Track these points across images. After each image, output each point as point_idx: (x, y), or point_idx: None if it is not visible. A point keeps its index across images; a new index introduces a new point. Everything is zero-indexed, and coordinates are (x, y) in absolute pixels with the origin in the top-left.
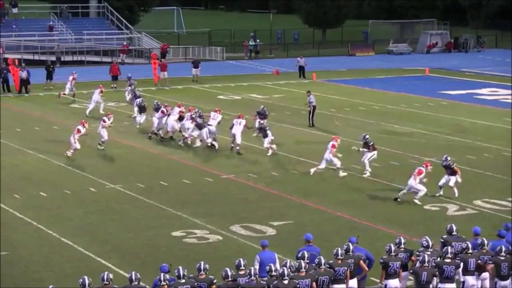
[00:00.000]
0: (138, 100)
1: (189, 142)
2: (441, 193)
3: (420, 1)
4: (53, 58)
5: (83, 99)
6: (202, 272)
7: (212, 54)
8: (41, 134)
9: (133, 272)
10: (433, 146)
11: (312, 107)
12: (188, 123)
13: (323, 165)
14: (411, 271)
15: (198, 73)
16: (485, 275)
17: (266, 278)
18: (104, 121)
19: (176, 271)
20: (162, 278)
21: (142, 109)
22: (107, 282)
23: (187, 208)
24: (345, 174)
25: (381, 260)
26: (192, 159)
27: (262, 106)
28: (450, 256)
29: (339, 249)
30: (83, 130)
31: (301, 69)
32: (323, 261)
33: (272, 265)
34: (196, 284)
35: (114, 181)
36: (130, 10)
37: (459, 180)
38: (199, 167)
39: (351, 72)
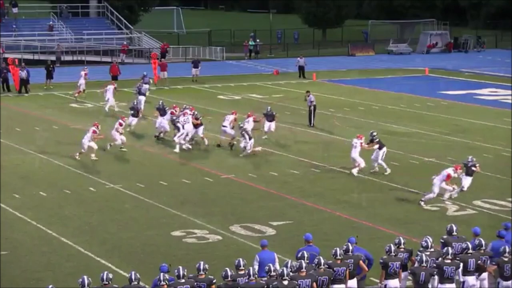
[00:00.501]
0: (135, 101)
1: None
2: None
3: (420, 1)
4: (53, 57)
5: (83, 99)
6: (201, 272)
7: (212, 54)
8: (41, 133)
9: (133, 272)
10: (433, 146)
11: (313, 107)
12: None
13: (362, 163)
14: (409, 271)
15: (198, 73)
16: (484, 275)
17: (265, 278)
18: (121, 124)
19: (175, 271)
20: (161, 278)
21: (134, 111)
22: (107, 282)
23: (187, 208)
24: (358, 174)
25: (381, 260)
26: (192, 159)
27: (268, 107)
28: (451, 257)
29: (338, 249)
30: (97, 131)
31: (301, 69)
32: (322, 261)
33: (271, 265)
34: (195, 284)
35: (114, 181)
36: (130, 10)
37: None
38: (199, 167)
39: (351, 72)
